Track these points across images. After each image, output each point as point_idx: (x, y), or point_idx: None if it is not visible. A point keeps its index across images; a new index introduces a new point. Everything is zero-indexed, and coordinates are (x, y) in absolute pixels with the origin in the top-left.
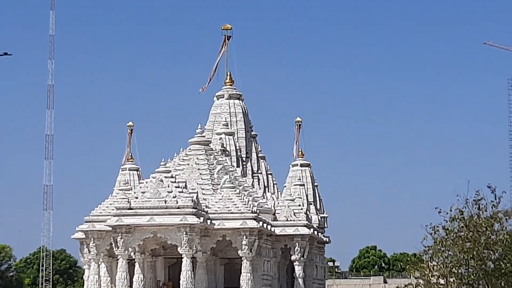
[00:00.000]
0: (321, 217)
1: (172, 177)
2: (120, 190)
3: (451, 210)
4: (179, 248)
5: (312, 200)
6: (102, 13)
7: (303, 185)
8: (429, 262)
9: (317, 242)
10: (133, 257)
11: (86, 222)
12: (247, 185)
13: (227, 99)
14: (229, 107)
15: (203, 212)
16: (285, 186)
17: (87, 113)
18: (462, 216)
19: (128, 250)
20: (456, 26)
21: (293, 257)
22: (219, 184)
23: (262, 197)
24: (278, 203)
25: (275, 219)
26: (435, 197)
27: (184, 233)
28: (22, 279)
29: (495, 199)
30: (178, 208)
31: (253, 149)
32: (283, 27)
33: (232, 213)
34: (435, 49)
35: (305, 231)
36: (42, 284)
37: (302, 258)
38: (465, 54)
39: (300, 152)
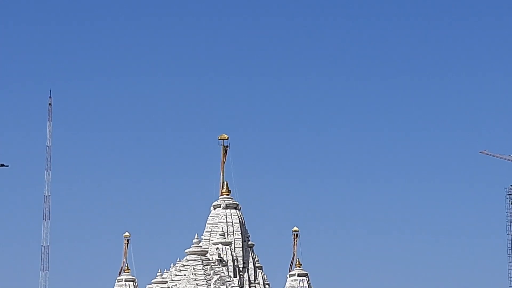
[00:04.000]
0: None
1: None
2: None
3: None
4: None
5: None
6: (98, 124)
7: None
8: None
9: None
10: None
11: None
12: None
13: (224, 208)
14: (226, 217)
15: None
16: None
17: (83, 224)
18: None
19: None
20: (451, 135)
21: None
22: None
23: None
24: None
25: None
26: None
27: None
28: None
29: None
30: None
31: (250, 259)
32: (280, 136)
33: None
34: (430, 160)
35: None
36: None
37: None
38: (460, 163)
39: (297, 262)
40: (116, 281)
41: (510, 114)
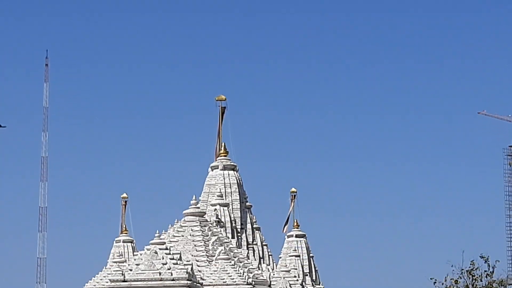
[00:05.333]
0: None
1: (166, 249)
2: (114, 262)
3: (446, 280)
4: None
5: (308, 271)
6: (95, 86)
7: (299, 256)
8: None
9: None
10: None
11: None
12: (242, 257)
13: (221, 170)
14: (224, 178)
15: (198, 284)
16: (280, 257)
17: (81, 185)
18: (457, 286)
19: None
20: (450, 96)
21: None
22: (214, 256)
23: (257, 269)
24: (274, 274)
25: None
26: (430, 268)
27: None
28: None
29: (489, 269)
30: (173, 280)
31: (248, 220)
32: (278, 96)
33: (227, 284)
34: (428, 120)
35: None
36: None
37: None
38: (459, 124)
39: (295, 223)
40: (114, 242)
41: (509, 75)
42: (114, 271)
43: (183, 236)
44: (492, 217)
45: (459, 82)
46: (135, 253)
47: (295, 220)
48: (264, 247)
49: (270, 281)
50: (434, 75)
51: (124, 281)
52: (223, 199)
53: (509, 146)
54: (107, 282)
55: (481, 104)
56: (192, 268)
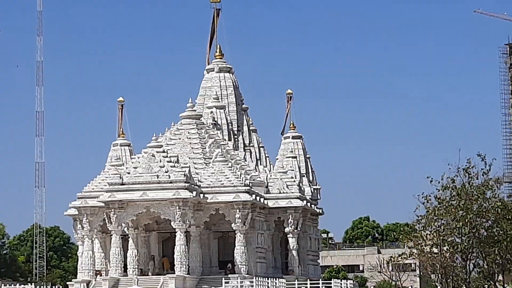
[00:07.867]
0: (313, 189)
1: (163, 151)
2: (112, 165)
3: (442, 179)
4: (172, 223)
5: (305, 172)
6: None
7: (295, 157)
8: (422, 232)
9: (310, 214)
10: (127, 232)
11: (78, 198)
12: (239, 159)
13: (217, 72)
14: (220, 81)
15: (195, 186)
16: (277, 159)
17: (77, 90)
18: (454, 185)
19: (122, 225)
20: None
21: (286, 229)
22: (211, 158)
23: (254, 170)
24: (271, 175)
25: (268, 192)
26: (427, 167)
27: (177, 207)
28: (16, 257)
29: (486, 167)
30: (171, 182)
31: (245, 122)
32: None
33: (224, 186)
34: (425, 18)
35: (298, 203)
36: (36, 261)
37: (295, 230)
38: (455, 22)
39: (291, 124)
40: (112, 145)
41: None
42: (112, 174)
43: (180, 139)
44: (488, 116)
45: None
46: (132, 157)
47: (291, 122)
48: (261, 149)
49: (267, 182)
50: None
51: (122, 184)
52: (219, 102)
53: (505, 44)
54: (105, 185)
55: (477, 2)
56: (189, 171)
